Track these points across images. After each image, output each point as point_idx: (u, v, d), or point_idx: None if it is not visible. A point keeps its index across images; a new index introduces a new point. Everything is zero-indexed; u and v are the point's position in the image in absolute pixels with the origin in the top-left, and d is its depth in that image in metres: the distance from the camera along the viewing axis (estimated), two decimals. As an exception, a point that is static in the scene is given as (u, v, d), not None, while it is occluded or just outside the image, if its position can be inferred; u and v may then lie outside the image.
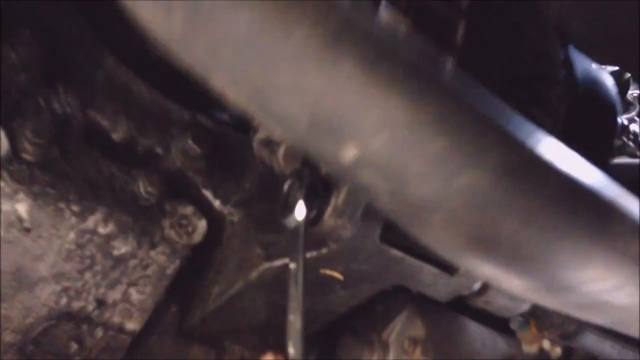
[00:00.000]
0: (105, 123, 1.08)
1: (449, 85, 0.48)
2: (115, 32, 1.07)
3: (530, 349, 1.30)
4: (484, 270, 0.58)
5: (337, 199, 0.88)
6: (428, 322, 1.22)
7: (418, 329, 1.17)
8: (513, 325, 1.30)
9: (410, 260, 0.97)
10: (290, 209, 0.92)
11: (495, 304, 1.09)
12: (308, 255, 0.98)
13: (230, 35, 0.45)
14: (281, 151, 1.01)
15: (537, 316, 1.26)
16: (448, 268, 1.00)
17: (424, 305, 1.25)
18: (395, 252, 0.96)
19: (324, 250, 0.96)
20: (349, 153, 0.50)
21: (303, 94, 0.47)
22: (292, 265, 0.91)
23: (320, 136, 0.50)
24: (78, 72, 1.05)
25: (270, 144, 1.07)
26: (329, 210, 0.88)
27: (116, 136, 1.08)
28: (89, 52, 1.06)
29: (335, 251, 0.95)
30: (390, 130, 0.48)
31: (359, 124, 0.48)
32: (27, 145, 0.99)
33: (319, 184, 0.91)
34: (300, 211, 0.87)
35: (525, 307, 1.16)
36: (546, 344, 1.30)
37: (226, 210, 1.13)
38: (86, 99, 1.06)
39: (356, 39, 0.45)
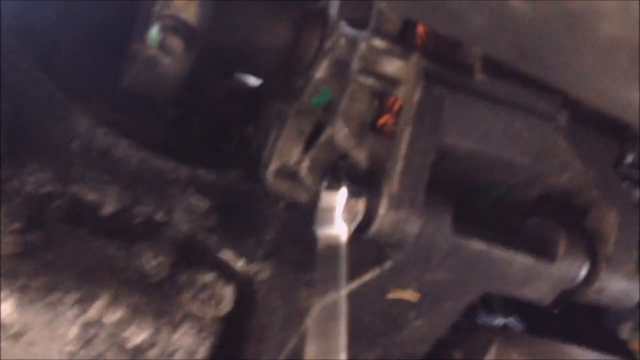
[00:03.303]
0: (91, 197, 0.91)
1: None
2: (87, 89, 0.94)
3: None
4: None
5: (391, 186, 0.70)
6: (524, 353, 0.98)
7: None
8: (623, 334, 1.07)
9: (496, 252, 0.77)
10: (331, 217, 0.74)
11: (611, 290, 0.85)
12: (368, 276, 0.78)
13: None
14: (305, 166, 0.84)
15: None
16: (545, 254, 0.79)
17: (513, 338, 1.02)
18: (476, 244, 0.76)
19: (387, 264, 0.76)
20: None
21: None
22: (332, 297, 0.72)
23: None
24: (50, 142, 0.90)
25: (285, 170, 0.91)
26: (384, 202, 0.70)
27: (106, 210, 0.91)
28: (60, 117, 0.91)
29: (401, 261, 0.75)
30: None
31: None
32: None
33: (362, 175, 0.73)
34: (339, 205, 0.69)
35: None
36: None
37: (253, 268, 0.94)
38: (64, 172, 0.89)
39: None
